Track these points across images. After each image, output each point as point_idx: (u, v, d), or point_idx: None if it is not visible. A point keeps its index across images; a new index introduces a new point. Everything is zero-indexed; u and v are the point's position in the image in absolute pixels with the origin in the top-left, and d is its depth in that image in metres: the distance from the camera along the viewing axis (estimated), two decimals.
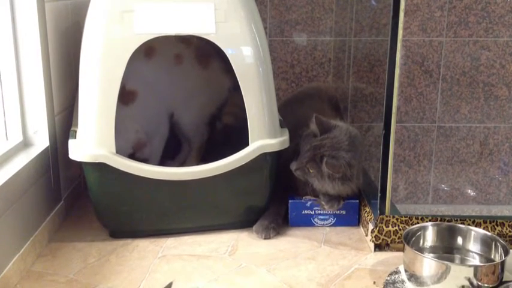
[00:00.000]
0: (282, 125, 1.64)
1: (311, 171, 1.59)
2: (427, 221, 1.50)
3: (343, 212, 1.68)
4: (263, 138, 1.56)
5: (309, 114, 1.68)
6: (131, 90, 1.67)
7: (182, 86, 1.76)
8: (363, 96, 2.11)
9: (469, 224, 1.49)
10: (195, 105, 1.79)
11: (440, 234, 1.46)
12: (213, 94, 1.82)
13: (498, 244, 1.37)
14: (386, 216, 1.52)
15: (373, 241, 1.53)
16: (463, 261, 1.43)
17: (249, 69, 1.53)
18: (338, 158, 1.57)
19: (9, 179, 1.35)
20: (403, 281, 1.36)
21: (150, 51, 1.70)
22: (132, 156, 1.63)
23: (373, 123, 1.99)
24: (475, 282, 1.25)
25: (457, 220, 1.51)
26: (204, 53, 1.77)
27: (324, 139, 1.60)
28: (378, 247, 1.54)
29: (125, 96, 1.64)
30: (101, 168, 1.48)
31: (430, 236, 1.46)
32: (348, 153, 1.58)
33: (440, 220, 1.51)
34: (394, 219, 1.52)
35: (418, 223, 1.50)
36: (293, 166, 1.62)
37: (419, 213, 1.54)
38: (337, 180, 1.58)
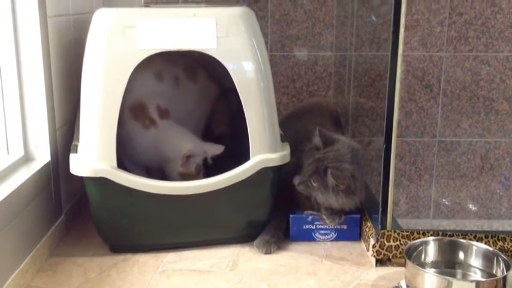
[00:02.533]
0: (283, 140, 1.64)
1: (315, 184, 1.59)
2: (428, 236, 1.50)
3: (344, 227, 1.67)
4: (264, 152, 1.56)
5: (310, 129, 1.68)
6: (165, 108, 1.68)
7: (182, 104, 1.77)
8: (363, 110, 2.12)
9: (470, 239, 1.49)
10: (192, 120, 1.80)
11: (441, 249, 1.46)
12: (206, 105, 1.84)
13: (500, 259, 1.37)
14: (388, 231, 1.52)
15: (374, 256, 1.53)
16: (464, 276, 1.42)
17: (250, 84, 1.54)
18: (342, 170, 1.57)
19: (10, 194, 1.35)
20: None
21: (159, 75, 1.71)
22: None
23: (373, 138, 1.99)
24: None
25: (458, 235, 1.50)
26: (192, 69, 1.79)
27: (327, 152, 1.60)
28: (380, 262, 1.54)
29: (161, 114, 1.66)
30: (102, 182, 1.48)
31: (431, 251, 1.46)
32: (351, 166, 1.58)
33: (442, 235, 1.50)
34: (396, 234, 1.52)
35: (419, 238, 1.49)
36: (296, 180, 1.62)
37: (420, 228, 1.53)
38: (341, 193, 1.58)
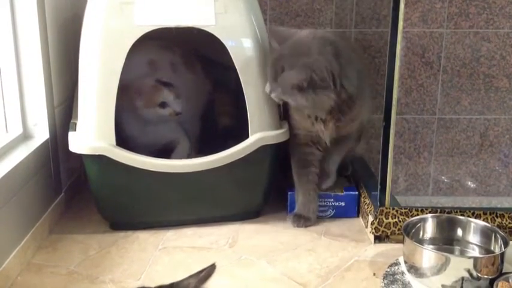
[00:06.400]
0: (281, 117, 1.63)
1: (279, 88, 1.45)
2: (427, 213, 1.50)
3: (343, 204, 1.68)
4: (263, 130, 1.56)
5: None
6: None
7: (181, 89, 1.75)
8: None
9: (468, 216, 1.50)
10: (192, 100, 1.79)
11: (440, 225, 1.46)
12: (204, 88, 1.83)
13: (498, 235, 1.38)
14: (386, 208, 1.53)
15: (373, 233, 1.54)
16: (462, 253, 1.43)
17: (248, 61, 1.53)
18: (299, 66, 1.40)
19: (9, 172, 1.35)
20: (402, 273, 1.36)
21: (153, 64, 1.69)
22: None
23: (373, 115, 1.99)
24: (474, 273, 1.25)
25: (456, 212, 1.51)
26: (189, 57, 1.77)
27: (283, 49, 1.46)
28: (378, 239, 1.55)
29: None
30: (101, 160, 1.48)
31: (429, 228, 1.46)
32: (319, 57, 1.40)
33: (440, 212, 1.51)
34: (394, 211, 1.53)
35: (418, 215, 1.50)
36: (267, 89, 1.49)
37: (419, 205, 1.54)
38: (309, 90, 1.40)
